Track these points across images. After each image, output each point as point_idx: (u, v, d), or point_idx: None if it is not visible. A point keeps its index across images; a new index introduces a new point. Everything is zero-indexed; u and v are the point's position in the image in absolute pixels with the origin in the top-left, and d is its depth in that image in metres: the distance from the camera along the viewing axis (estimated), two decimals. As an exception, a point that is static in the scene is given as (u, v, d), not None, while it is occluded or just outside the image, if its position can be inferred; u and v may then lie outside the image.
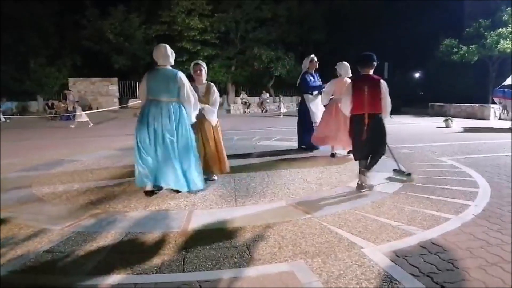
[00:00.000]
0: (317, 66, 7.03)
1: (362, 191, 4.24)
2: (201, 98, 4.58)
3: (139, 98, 4.62)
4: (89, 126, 14.56)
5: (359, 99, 4.24)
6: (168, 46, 4.23)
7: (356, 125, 4.31)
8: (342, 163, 5.93)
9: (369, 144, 4.28)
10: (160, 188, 4.33)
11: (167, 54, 4.17)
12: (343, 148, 6.40)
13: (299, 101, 7.77)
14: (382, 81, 4.29)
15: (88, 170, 5.74)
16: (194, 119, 4.32)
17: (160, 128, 4.02)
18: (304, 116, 7.08)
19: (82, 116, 14.96)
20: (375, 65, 4.37)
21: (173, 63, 4.27)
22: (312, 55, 7.12)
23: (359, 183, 4.31)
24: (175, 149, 4.06)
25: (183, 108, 4.17)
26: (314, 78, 7.00)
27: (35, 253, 2.76)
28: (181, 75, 4.15)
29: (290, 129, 11.20)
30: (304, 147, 7.23)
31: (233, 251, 2.73)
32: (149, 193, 4.21)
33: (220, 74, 24.98)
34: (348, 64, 6.28)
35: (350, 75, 6.20)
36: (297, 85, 7.19)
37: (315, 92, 6.89)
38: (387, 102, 4.27)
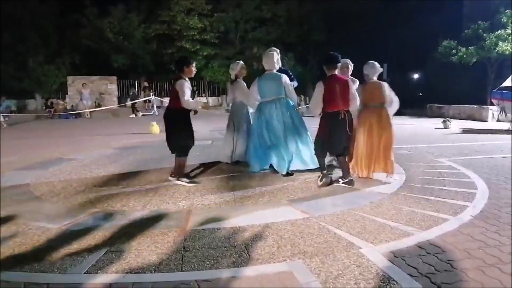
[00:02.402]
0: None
1: (320, 184, 4.50)
2: None
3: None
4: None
5: (333, 97, 4.40)
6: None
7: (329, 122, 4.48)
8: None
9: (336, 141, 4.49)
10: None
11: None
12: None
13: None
14: (349, 80, 4.53)
15: (86, 169, 5.73)
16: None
17: None
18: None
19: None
20: (339, 66, 4.56)
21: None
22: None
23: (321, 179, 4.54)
24: None
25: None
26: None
27: (33, 251, 2.75)
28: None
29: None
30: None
31: (231, 250, 2.73)
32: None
33: (219, 74, 24.94)
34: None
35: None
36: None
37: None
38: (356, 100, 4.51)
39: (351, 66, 5.24)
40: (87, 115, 18.05)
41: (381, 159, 4.80)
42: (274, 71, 5.23)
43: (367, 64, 4.90)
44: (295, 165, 5.13)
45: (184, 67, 4.65)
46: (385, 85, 4.85)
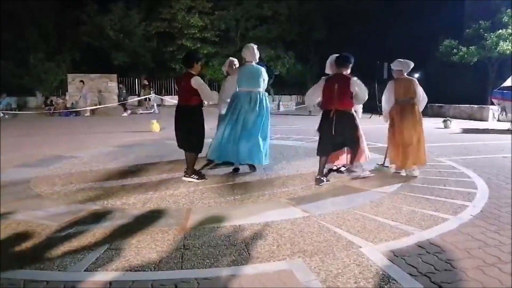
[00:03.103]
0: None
1: (320, 184, 4.53)
2: None
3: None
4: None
5: (330, 96, 4.54)
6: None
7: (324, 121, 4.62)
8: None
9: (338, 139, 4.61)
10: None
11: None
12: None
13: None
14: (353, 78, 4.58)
15: (86, 167, 5.73)
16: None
17: None
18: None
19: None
20: (349, 66, 4.66)
21: None
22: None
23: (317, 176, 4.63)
24: None
25: None
26: None
27: (33, 248, 2.76)
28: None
29: (289, 128, 11.22)
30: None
31: (231, 249, 2.73)
32: None
33: (219, 72, 24.87)
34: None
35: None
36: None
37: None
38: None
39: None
40: (88, 113, 18.02)
41: (415, 151, 4.96)
42: (254, 63, 5.07)
43: (398, 61, 5.05)
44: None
45: (195, 63, 4.69)
46: (416, 82, 5.05)
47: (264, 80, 5.04)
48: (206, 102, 4.83)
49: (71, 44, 24.39)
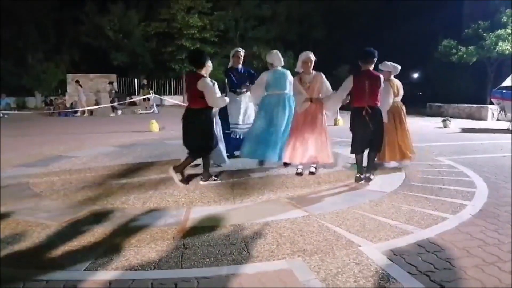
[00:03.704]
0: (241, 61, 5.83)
1: (360, 182, 4.52)
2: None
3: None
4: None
5: (361, 93, 4.43)
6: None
7: (355, 118, 4.54)
8: (341, 162, 5.93)
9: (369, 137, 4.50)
10: None
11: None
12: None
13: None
14: (381, 76, 4.57)
15: (86, 167, 5.72)
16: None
17: None
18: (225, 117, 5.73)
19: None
20: (375, 61, 4.57)
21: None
22: (236, 49, 5.96)
23: (358, 175, 4.58)
24: None
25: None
26: (239, 73, 5.85)
27: (32, 248, 2.76)
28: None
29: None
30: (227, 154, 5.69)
31: (231, 248, 2.73)
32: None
33: (219, 72, 24.88)
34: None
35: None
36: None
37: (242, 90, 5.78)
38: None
39: (313, 60, 5.05)
40: (86, 113, 18.01)
41: (402, 147, 5.46)
42: (280, 67, 5.48)
43: (389, 64, 5.47)
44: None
45: (205, 62, 4.42)
46: (400, 83, 5.63)
47: (290, 83, 5.35)
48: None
49: (70, 44, 24.38)
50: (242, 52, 5.84)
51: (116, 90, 20.26)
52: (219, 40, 24.77)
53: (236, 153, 5.81)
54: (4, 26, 20.51)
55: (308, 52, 5.07)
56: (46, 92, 22.59)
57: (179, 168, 4.57)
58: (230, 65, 6.00)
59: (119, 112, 18.53)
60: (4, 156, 6.40)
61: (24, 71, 21.98)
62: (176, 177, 4.49)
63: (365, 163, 4.66)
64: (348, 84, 4.55)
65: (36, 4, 21.97)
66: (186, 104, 4.73)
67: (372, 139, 4.51)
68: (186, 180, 4.60)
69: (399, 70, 5.54)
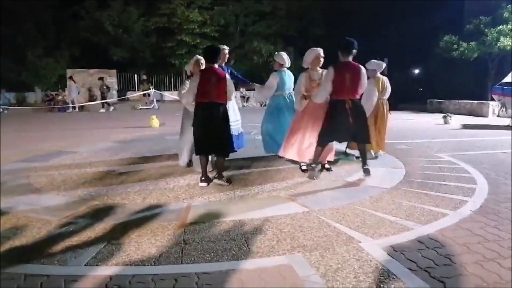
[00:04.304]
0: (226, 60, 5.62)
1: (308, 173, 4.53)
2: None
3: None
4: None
5: (342, 85, 4.34)
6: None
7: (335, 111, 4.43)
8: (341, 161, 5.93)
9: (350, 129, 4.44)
10: None
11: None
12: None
13: None
14: (362, 68, 4.47)
15: (86, 162, 5.72)
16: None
17: None
18: None
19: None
20: (354, 52, 4.45)
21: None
22: (223, 46, 5.59)
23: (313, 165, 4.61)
24: None
25: None
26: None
27: (33, 243, 2.76)
28: None
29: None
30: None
31: (231, 243, 2.73)
32: None
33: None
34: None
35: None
36: None
37: None
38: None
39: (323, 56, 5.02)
40: (76, 108, 18.05)
41: (380, 139, 5.77)
42: (286, 68, 5.63)
43: (374, 62, 5.67)
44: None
45: (219, 58, 4.55)
46: (387, 79, 5.84)
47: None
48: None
49: (70, 39, 24.26)
50: (227, 50, 5.63)
51: (108, 85, 20.18)
52: (219, 35, 24.67)
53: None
54: (4, 21, 20.42)
55: (318, 48, 5.04)
56: (46, 87, 22.55)
57: (219, 174, 4.43)
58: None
59: (111, 108, 18.49)
60: (4, 152, 6.40)
61: (24, 66, 21.91)
62: (223, 182, 4.38)
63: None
64: (329, 75, 4.40)
65: (35, 0, 21.87)
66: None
67: (355, 132, 4.45)
68: (207, 180, 4.40)
69: (383, 67, 5.80)
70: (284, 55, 5.64)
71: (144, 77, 22.33)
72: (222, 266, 2.39)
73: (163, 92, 22.35)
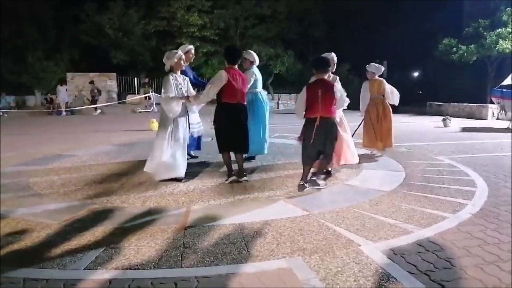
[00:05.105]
0: (192, 60, 5.74)
1: (303, 191, 4.14)
2: None
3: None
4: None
5: (314, 103, 4.11)
6: None
7: (308, 129, 4.20)
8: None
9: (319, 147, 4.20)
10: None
11: None
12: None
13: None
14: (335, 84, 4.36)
15: (86, 165, 5.72)
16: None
17: None
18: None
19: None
20: (329, 70, 4.57)
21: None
22: (190, 46, 5.67)
23: (301, 182, 4.21)
24: None
25: None
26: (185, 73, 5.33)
27: (32, 247, 2.75)
28: None
29: (289, 126, 11.21)
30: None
31: (231, 247, 2.73)
32: None
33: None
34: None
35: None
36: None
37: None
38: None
39: (335, 62, 5.14)
40: (64, 112, 18.11)
41: (384, 136, 6.20)
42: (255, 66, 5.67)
43: (373, 65, 6.24)
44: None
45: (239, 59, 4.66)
46: (385, 81, 6.27)
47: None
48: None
49: (70, 42, 24.31)
50: (193, 50, 5.68)
51: (98, 88, 20.27)
52: (219, 39, 24.74)
53: (193, 152, 5.97)
54: (4, 24, 20.46)
55: (332, 53, 5.13)
56: (45, 90, 22.56)
57: (243, 170, 4.66)
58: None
59: (98, 111, 18.64)
60: (4, 155, 6.40)
61: (24, 69, 21.93)
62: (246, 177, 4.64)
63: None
64: (302, 95, 4.24)
65: (36, 2, 21.91)
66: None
67: (324, 149, 4.19)
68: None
69: (382, 71, 6.29)
70: (254, 53, 5.70)
71: (146, 80, 22.38)
72: (221, 270, 2.39)
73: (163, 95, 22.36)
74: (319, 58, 4.42)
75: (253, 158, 5.85)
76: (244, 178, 4.62)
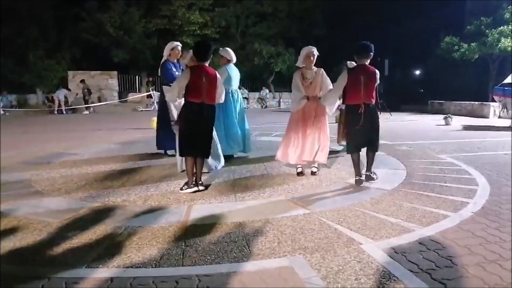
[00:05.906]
0: (179, 56, 5.85)
1: (361, 185, 4.30)
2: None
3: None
4: None
5: (356, 89, 4.20)
6: None
7: (351, 116, 4.32)
8: (341, 159, 5.92)
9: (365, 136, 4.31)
10: None
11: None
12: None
13: (160, 93, 6.43)
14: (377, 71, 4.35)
15: (87, 164, 5.73)
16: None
17: None
18: (163, 111, 5.88)
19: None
20: (371, 56, 4.32)
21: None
22: (176, 43, 5.92)
23: (357, 178, 4.35)
24: None
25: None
26: (176, 68, 5.81)
27: (34, 245, 2.76)
28: None
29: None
30: (162, 151, 6.22)
31: (232, 245, 2.73)
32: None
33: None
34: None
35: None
36: (159, 74, 6.07)
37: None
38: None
39: (316, 55, 4.87)
40: (62, 111, 18.25)
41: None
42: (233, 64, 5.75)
43: (350, 63, 5.66)
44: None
45: (211, 56, 4.25)
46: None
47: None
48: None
49: (71, 41, 24.32)
50: (180, 46, 5.89)
51: (89, 88, 20.33)
52: (220, 37, 24.72)
53: (170, 152, 6.03)
54: (5, 23, 20.47)
55: (311, 46, 4.89)
56: (47, 89, 22.58)
57: (199, 178, 4.22)
58: (165, 58, 5.88)
59: (91, 110, 18.75)
60: (6, 154, 6.41)
61: (25, 68, 21.95)
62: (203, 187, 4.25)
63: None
64: (342, 80, 4.30)
65: (36, 1, 21.91)
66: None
67: (370, 138, 4.32)
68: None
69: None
70: (231, 50, 5.68)
71: (148, 79, 22.39)
72: (223, 268, 2.39)
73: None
74: (361, 44, 4.32)
75: (231, 156, 5.72)
76: (201, 187, 4.15)
